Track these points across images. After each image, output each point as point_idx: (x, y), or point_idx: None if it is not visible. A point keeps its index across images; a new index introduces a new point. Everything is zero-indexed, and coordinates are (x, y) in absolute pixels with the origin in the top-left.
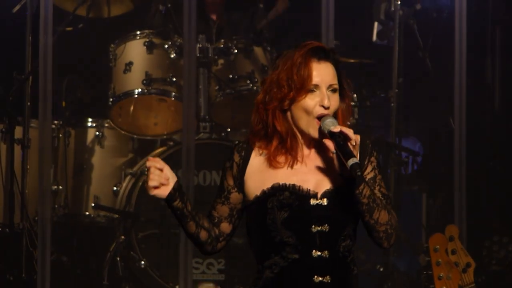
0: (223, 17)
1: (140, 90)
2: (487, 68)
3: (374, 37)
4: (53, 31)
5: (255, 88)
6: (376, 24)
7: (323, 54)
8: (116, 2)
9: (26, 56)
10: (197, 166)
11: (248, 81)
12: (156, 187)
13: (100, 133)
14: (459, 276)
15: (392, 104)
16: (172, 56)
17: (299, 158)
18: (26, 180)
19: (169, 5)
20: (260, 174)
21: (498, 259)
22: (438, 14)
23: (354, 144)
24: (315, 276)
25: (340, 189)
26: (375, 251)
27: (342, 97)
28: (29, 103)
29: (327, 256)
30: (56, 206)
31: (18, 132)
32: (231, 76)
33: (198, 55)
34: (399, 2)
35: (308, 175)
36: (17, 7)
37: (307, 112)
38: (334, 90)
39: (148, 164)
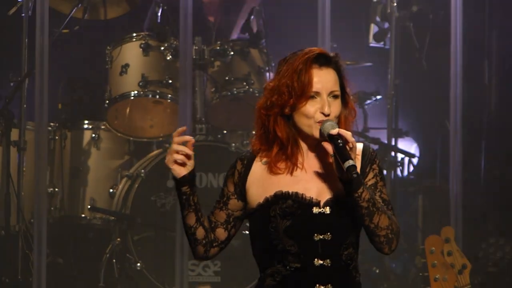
0: (222, 19)
1: (136, 92)
2: (484, 70)
3: (371, 39)
4: (49, 33)
5: (251, 90)
6: (372, 26)
7: (324, 60)
8: (112, 4)
9: (22, 59)
10: None
11: (245, 83)
12: (176, 163)
13: (96, 135)
14: (455, 278)
15: (388, 106)
16: (168, 58)
17: (299, 165)
18: (22, 182)
19: (165, 7)
20: (262, 182)
21: (494, 261)
22: (434, 16)
23: (351, 146)
24: (317, 285)
25: (342, 198)
26: (371, 253)
27: (345, 103)
28: (25, 105)
29: (329, 264)
30: (52, 208)
31: (15, 134)
32: (227, 78)
33: (194, 57)
34: (395, 4)
35: (310, 183)
36: (13, 10)
37: (308, 118)
38: (335, 97)
39: (177, 139)
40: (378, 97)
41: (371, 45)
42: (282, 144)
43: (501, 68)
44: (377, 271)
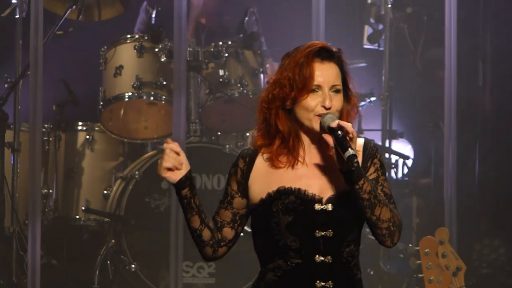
0: (214, 21)
1: (130, 93)
2: (478, 71)
3: (365, 41)
4: (43, 35)
5: (245, 91)
6: (366, 27)
7: (326, 54)
8: (106, 6)
9: (16, 60)
10: None
11: (239, 85)
12: (169, 170)
13: (91, 137)
14: (450, 279)
15: (383, 108)
16: (162, 59)
17: (300, 159)
18: (16, 183)
19: (159, 9)
20: (265, 178)
21: (489, 262)
22: (429, 17)
23: (351, 137)
24: (318, 281)
25: (344, 195)
26: (366, 254)
27: (347, 98)
28: (19, 107)
29: (330, 261)
30: (47, 209)
31: (9, 135)
32: (221, 79)
33: (188, 58)
34: (389, 6)
35: (312, 179)
36: (7, 11)
37: (308, 111)
38: (337, 91)
39: (165, 145)
40: (373, 98)
41: (365, 46)
42: (284, 138)
43: (495, 70)
44: (372, 272)
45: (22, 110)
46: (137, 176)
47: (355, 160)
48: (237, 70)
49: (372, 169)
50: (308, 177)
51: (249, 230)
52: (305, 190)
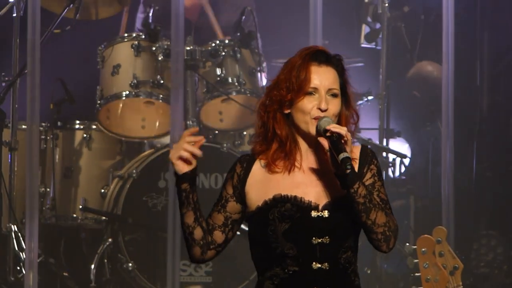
0: (201, 19)
1: (128, 92)
2: (476, 71)
3: (362, 39)
4: (41, 34)
5: (243, 90)
6: (364, 26)
7: (324, 58)
8: (104, 4)
9: (13, 59)
10: None
11: (236, 84)
12: (181, 159)
13: (88, 136)
14: (447, 279)
15: (380, 107)
16: (159, 58)
17: (297, 165)
18: (14, 182)
19: (157, 8)
20: (262, 185)
21: (486, 262)
22: (426, 16)
23: (346, 139)
24: None
25: (341, 202)
26: (363, 253)
27: (346, 104)
28: (16, 105)
29: (327, 268)
30: (44, 208)
31: (6, 134)
32: (218, 78)
33: (186, 57)
34: (386, 5)
35: (309, 186)
36: (4, 10)
37: (305, 113)
38: (334, 95)
39: (188, 138)
40: (370, 97)
41: (363, 45)
42: (281, 142)
43: (492, 69)
44: (369, 271)
45: (19, 108)
46: (134, 175)
47: (349, 162)
48: (235, 69)
49: (368, 175)
50: (305, 184)
51: (247, 228)
52: (301, 197)
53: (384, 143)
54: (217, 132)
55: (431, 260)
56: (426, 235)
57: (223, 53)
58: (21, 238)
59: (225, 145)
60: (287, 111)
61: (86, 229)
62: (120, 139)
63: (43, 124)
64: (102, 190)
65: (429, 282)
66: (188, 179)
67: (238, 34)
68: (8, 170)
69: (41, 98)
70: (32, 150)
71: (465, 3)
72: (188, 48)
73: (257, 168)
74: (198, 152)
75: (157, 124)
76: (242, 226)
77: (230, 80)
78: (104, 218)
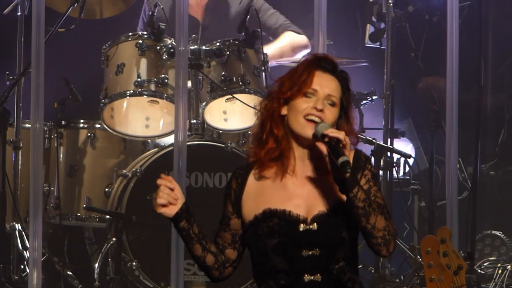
0: (208, 18)
1: (132, 91)
2: (480, 70)
3: (367, 39)
4: (45, 32)
5: (247, 90)
6: (368, 26)
7: (331, 68)
8: (108, 3)
9: (18, 58)
10: (189, 168)
11: (240, 83)
12: (164, 206)
13: (92, 134)
14: (451, 278)
15: (384, 106)
16: (164, 57)
17: (290, 171)
18: (17, 181)
19: (161, 7)
20: (255, 199)
21: (490, 262)
22: (431, 16)
23: (344, 143)
24: None
25: (332, 211)
26: (367, 252)
27: (346, 119)
28: (21, 104)
29: (320, 279)
30: (48, 207)
31: (10, 133)
32: (223, 78)
33: (190, 56)
34: (391, 4)
35: (300, 198)
36: (8, 8)
37: (298, 113)
38: (332, 104)
39: (159, 182)
40: (374, 97)
41: (367, 45)
42: (277, 141)
43: (497, 69)
44: (373, 271)
45: (23, 107)
46: (138, 174)
47: (349, 166)
48: (239, 68)
49: (363, 181)
50: (296, 195)
51: None
52: (289, 211)
53: (389, 143)
54: (221, 131)
55: (435, 260)
56: (430, 235)
57: (228, 53)
58: (25, 237)
59: (229, 144)
60: (284, 113)
61: (90, 228)
62: (124, 138)
63: (47, 123)
64: (106, 189)
65: (433, 282)
66: (182, 218)
67: (243, 33)
68: (12, 168)
69: (45, 97)
70: (36, 149)
71: (470, 2)
72: (192, 47)
73: (251, 181)
74: (172, 186)
75: (161, 123)
76: None
77: (234, 79)
78: (108, 217)
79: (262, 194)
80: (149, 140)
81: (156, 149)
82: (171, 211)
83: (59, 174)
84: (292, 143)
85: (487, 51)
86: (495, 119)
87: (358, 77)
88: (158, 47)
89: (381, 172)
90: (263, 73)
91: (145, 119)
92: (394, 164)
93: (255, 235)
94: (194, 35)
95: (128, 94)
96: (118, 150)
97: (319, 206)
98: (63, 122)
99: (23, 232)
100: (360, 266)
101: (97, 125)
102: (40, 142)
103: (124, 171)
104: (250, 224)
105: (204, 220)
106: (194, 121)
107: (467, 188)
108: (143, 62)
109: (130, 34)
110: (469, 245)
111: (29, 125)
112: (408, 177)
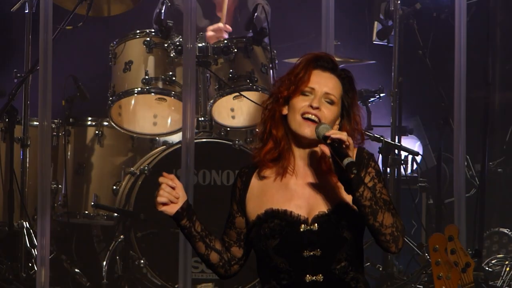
0: (231, 17)
1: (139, 89)
2: (488, 68)
3: (374, 37)
4: (53, 30)
5: (254, 87)
6: (376, 23)
7: (330, 66)
8: (116, 1)
9: (25, 55)
10: (197, 165)
11: (248, 80)
12: (164, 204)
13: (100, 132)
14: (459, 276)
15: (392, 104)
16: (171, 55)
17: (290, 171)
18: (25, 178)
19: (169, 4)
20: (258, 199)
21: (498, 259)
22: (438, 13)
23: (347, 144)
24: None
25: (334, 211)
26: (375, 250)
27: (348, 119)
28: (28, 102)
29: (322, 279)
30: (56, 205)
31: (18, 130)
32: (230, 75)
33: (197, 54)
34: (399, 2)
35: (301, 199)
36: (16, 6)
37: (295, 111)
38: (330, 102)
39: (160, 180)
40: (382, 94)
41: (375, 42)
42: (276, 141)
43: (505, 67)
44: (380, 269)
45: (31, 105)
46: (146, 172)
47: (354, 167)
48: (247, 65)
49: (367, 179)
50: (298, 195)
51: None
52: (291, 212)
53: (396, 141)
54: (228, 129)
55: (443, 258)
56: (438, 233)
57: (235, 50)
58: (33, 235)
59: (237, 141)
60: (285, 112)
61: (98, 225)
62: (132, 136)
63: (55, 120)
64: (114, 187)
65: (441, 279)
66: (183, 216)
67: (250, 31)
68: (20, 166)
69: (53, 95)
70: (44, 147)
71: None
72: (200, 44)
73: (255, 181)
74: (173, 184)
75: (169, 120)
76: None
77: (242, 77)
78: (116, 214)
79: (264, 194)
80: (157, 138)
81: (164, 146)
82: (171, 209)
83: (66, 172)
84: (291, 143)
85: (495, 49)
86: (503, 117)
87: (365, 75)
88: (166, 45)
89: (388, 170)
90: (271, 71)
91: (152, 116)
92: (402, 162)
93: (257, 235)
94: (201, 33)
95: (135, 91)
96: (126, 147)
97: (320, 207)
98: (71, 120)
99: (31, 230)
100: (368, 264)
101: (105, 123)
102: (48, 140)
103: (132, 168)
104: (253, 224)
105: (212, 217)
106: (202, 118)
107: (475, 186)
108: (151, 59)
109: (138, 31)
110: (476, 242)
111: (37, 123)
112: (416, 175)
